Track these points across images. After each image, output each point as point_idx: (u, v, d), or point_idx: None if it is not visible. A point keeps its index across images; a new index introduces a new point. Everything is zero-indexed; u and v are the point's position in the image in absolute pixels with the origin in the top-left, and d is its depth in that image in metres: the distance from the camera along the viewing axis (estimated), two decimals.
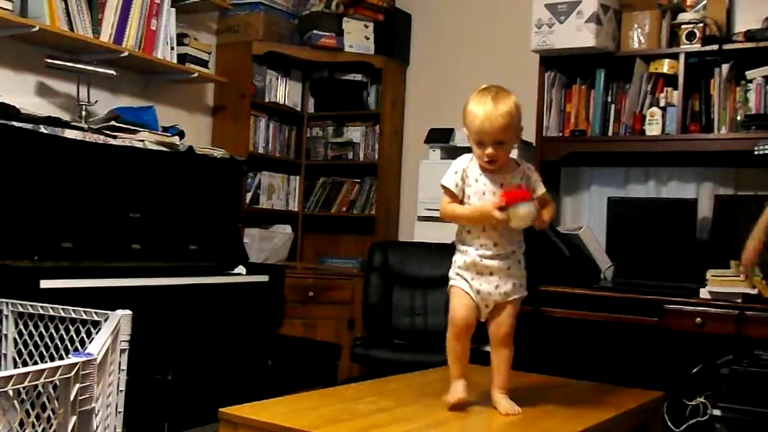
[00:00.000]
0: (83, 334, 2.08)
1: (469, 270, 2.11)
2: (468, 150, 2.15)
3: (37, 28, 3.24)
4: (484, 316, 2.14)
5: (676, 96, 3.59)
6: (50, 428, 1.52)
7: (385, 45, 4.70)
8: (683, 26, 3.58)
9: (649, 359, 3.34)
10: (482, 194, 2.08)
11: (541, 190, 2.15)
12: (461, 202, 2.11)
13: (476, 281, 2.10)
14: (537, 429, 2.00)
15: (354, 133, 4.84)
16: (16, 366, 2.24)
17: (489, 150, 2.03)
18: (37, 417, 1.55)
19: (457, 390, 2.11)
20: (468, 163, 2.12)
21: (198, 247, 3.66)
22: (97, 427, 1.72)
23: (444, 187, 2.12)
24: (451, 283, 2.16)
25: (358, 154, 4.81)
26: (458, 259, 2.14)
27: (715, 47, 3.51)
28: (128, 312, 1.99)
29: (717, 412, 2.97)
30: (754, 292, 3.07)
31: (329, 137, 4.89)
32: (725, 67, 3.53)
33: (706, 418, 3.05)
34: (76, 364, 1.51)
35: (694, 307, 3.17)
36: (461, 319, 2.11)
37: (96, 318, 2.04)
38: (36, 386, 1.48)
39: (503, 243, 2.09)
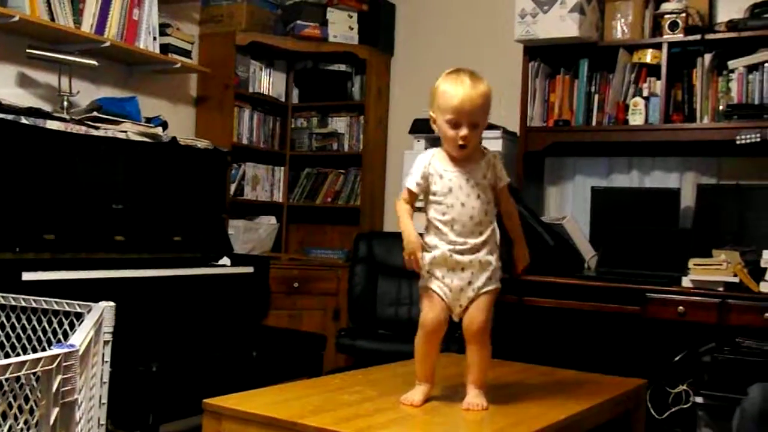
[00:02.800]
0: (66, 326, 2.07)
1: (439, 266, 2.03)
2: None
3: (17, 18, 3.21)
4: (457, 315, 2.07)
5: (659, 86, 3.61)
6: (33, 420, 1.52)
7: (369, 35, 4.69)
8: (666, 16, 3.59)
9: (632, 347, 3.37)
10: (449, 190, 2.02)
11: (504, 181, 2.08)
12: (426, 198, 2.06)
13: (448, 278, 2.03)
14: (520, 417, 2.02)
15: (338, 123, 4.83)
16: None
17: (464, 131, 1.97)
18: (20, 409, 1.54)
19: (414, 395, 2.08)
20: (430, 159, 2.05)
21: (182, 238, 3.65)
22: (80, 418, 1.71)
23: (407, 187, 2.06)
24: (420, 283, 2.08)
25: (342, 145, 4.80)
26: (427, 255, 2.05)
27: (698, 37, 3.53)
28: (111, 304, 1.98)
29: (699, 400, 3.00)
30: (736, 280, 3.09)
31: (314, 128, 4.88)
32: (708, 57, 3.55)
33: (688, 405, 3.08)
34: (58, 355, 1.50)
35: (677, 295, 3.19)
36: (431, 322, 2.05)
37: (79, 310, 2.03)
38: (18, 378, 1.48)
39: (475, 236, 2.02)
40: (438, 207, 2.04)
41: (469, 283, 2.04)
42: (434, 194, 2.04)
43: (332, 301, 4.37)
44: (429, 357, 2.11)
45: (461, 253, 2.02)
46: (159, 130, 3.73)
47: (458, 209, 2.02)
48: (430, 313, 2.07)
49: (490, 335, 2.10)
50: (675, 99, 3.65)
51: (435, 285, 2.06)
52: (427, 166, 2.05)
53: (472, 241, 2.02)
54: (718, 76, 3.55)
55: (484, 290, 2.05)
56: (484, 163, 2.06)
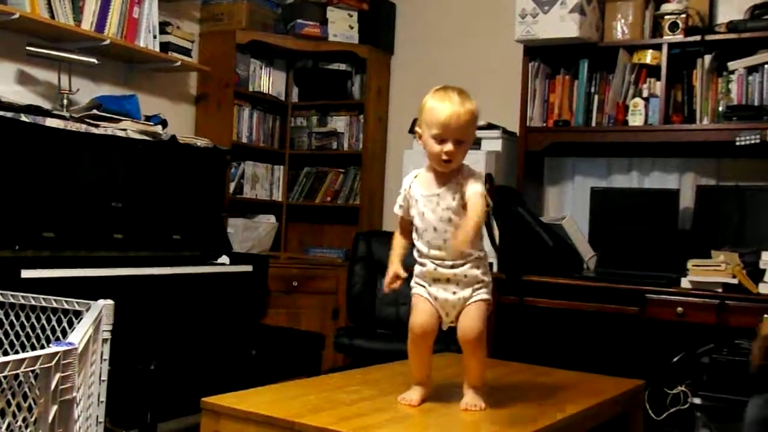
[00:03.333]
0: (65, 324, 2.07)
1: (425, 278, 2.07)
2: None
3: (17, 16, 3.21)
4: (446, 324, 2.08)
5: (659, 86, 3.61)
6: (31, 417, 1.52)
7: (369, 34, 4.69)
8: (666, 17, 3.59)
9: (630, 348, 3.37)
10: (422, 215, 2.04)
11: (471, 196, 1.99)
12: (411, 222, 2.09)
13: (434, 288, 2.06)
14: (518, 417, 2.02)
15: (338, 122, 4.83)
16: None
17: (449, 147, 1.97)
18: (18, 406, 1.54)
19: (412, 395, 2.08)
20: (412, 180, 2.08)
21: (181, 236, 3.65)
22: (78, 416, 1.71)
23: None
24: (412, 289, 2.11)
25: (342, 144, 4.80)
26: (416, 269, 2.09)
27: (698, 38, 3.53)
28: (110, 302, 1.98)
29: (697, 401, 3.00)
30: (735, 281, 3.09)
31: (313, 127, 4.88)
32: (708, 58, 3.55)
33: (686, 406, 3.08)
34: (57, 353, 1.51)
35: (676, 296, 3.20)
36: (418, 326, 2.06)
37: (78, 308, 2.03)
38: (17, 375, 1.48)
39: (455, 255, 2.03)
40: (416, 229, 2.08)
41: (454, 293, 2.05)
42: (413, 217, 2.08)
43: (331, 300, 4.37)
44: (421, 360, 2.11)
45: (446, 267, 2.04)
46: (158, 128, 3.73)
47: (431, 233, 2.03)
48: (417, 318, 2.07)
49: (485, 341, 2.10)
50: (675, 100, 3.65)
51: (423, 291, 2.08)
52: (407, 190, 2.09)
53: (450, 261, 2.04)
54: (717, 77, 3.55)
55: (473, 300, 2.05)
56: (455, 183, 2.03)
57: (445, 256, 2.04)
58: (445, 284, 2.05)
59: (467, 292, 2.05)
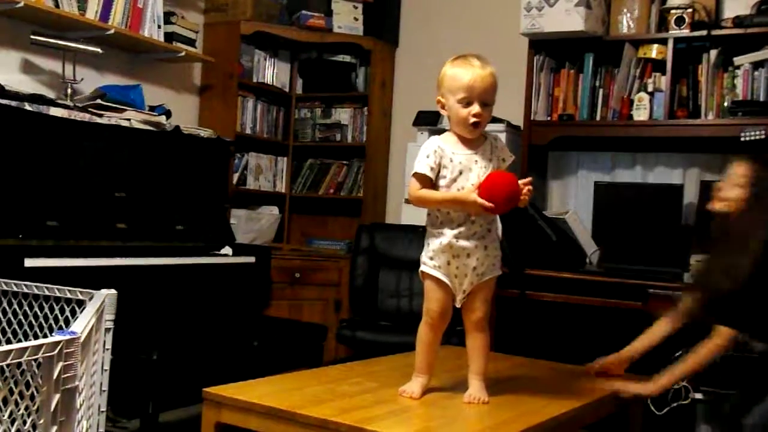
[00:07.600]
0: (68, 313, 2.07)
1: (445, 253, 2.04)
2: None
3: (21, 4, 3.20)
4: (460, 301, 2.08)
5: (664, 81, 3.60)
6: (33, 406, 1.52)
7: (374, 26, 4.68)
8: (672, 11, 3.58)
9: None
10: (459, 173, 2.02)
11: (509, 159, 2.11)
12: (433, 185, 2.04)
13: (453, 264, 2.04)
14: (520, 411, 2.02)
15: (342, 114, 4.83)
16: None
17: (477, 108, 1.99)
18: (21, 395, 1.54)
19: (413, 387, 2.09)
20: (438, 143, 2.05)
21: (184, 227, 3.65)
22: (80, 405, 1.71)
23: (417, 174, 2.03)
24: (423, 269, 2.08)
25: (346, 136, 4.80)
26: (433, 242, 2.06)
27: (704, 33, 3.52)
28: (113, 291, 1.98)
29: (699, 396, 3.00)
30: None
31: (317, 118, 4.87)
32: (713, 53, 3.54)
33: (687, 401, 3.08)
34: (60, 342, 1.51)
35: (679, 291, 3.19)
36: (437, 309, 2.07)
37: (81, 297, 2.03)
38: (19, 364, 1.48)
39: (479, 221, 2.03)
40: (448, 190, 2.05)
41: (474, 268, 2.05)
42: (444, 177, 2.04)
43: (333, 292, 4.37)
44: (431, 347, 2.12)
45: (467, 238, 2.03)
46: (162, 118, 3.73)
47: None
48: (436, 300, 2.07)
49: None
50: (680, 95, 3.64)
51: (439, 272, 2.06)
52: (437, 150, 2.04)
53: (478, 225, 2.03)
54: (723, 72, 3.54)
55: (488, 277, 2.07)
56: (487, 145, 2.08)
57: (472, 218, 2.01)
58: (465, 259, 2.04)
59: (485, 266, 2.06)
